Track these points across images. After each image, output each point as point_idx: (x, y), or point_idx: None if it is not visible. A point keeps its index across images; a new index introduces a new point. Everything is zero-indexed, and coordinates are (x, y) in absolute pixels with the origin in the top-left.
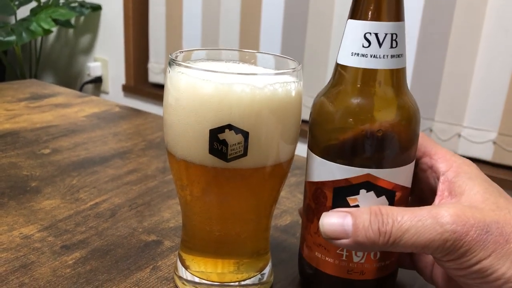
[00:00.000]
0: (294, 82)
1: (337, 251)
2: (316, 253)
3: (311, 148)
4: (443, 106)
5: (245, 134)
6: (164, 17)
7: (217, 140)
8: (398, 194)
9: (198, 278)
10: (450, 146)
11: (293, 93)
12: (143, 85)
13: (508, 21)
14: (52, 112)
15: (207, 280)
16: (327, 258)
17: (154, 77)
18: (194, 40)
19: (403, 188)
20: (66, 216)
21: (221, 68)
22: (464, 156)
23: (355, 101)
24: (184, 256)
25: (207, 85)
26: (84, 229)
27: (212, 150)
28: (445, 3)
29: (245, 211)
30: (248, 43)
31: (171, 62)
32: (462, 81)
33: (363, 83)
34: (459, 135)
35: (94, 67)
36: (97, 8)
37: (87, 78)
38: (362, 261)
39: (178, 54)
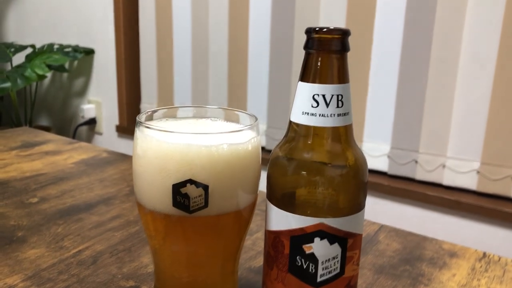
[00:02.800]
0: (251, 137)
1: None
2: None
3: (269, 198)
4: (426, 137)
5: (205, 187)
6: (155, 60)
7: (179, 194)
8: (350, 241)
9: None
10: (435, 176)
11: (250, 147)
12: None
13: (482, 54)
14: (42, 160)
15: None
16: None
17: None
18: (185, 79)
19: (354, 235)
20: (50, 265)
21: (186, 126)
22: (449, 187)
23: (307, 155)
24: None
25: (169, 145)
26: (66, 277)
27: (176, 203)
28: (423, 38)
29: (211, 257)
30: (236, 81)
31: (138, 123)
32: (443, 113)
33: (313, 139)
34: (444, 166)
35: (88, 109)
36: (90, 52)
37: (81, 120)
38: None
39: (145, 115)
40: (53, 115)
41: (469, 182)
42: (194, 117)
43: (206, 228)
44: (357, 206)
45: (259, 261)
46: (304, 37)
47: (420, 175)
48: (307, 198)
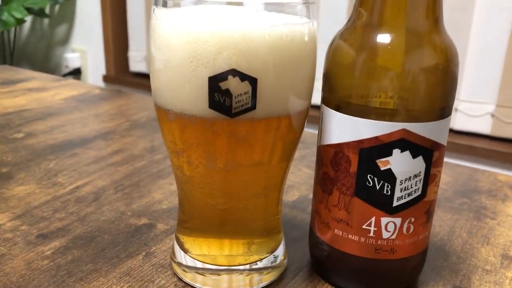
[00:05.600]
0: (307, 20)
1: (363, 226)
2: (336, 231)
3: (328, 103)
4: None
5: (253, 82)
6: (144, 2)
7: (218, 90)
8: (436, 154)
9: (200, 263)
10: None
11: (307, 32)
12: (124, 74)
13: None
14: (26, 96)
15: (212, 264)
16: (349, 236)
17: (135, 65)
18: None
19: (440, 146)
20: (43, 202)
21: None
22: (462, 131)
23: (383, 38)
24: (183, 238)
25: (202, 22)
26: (63, 215)
27: (213, 103)
28: None
29: (253, 180)
30: None
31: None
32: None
33: (392, 15)
34: (456, 109)
35: (72, 58)
36: None
37: (65, 70)
38: (393, 237)
39: None
40: (34, 65)
41: (483, 126)
42: (228, 3)
43: (250, 139)
44: (447, 109)
45: (293, 195)
46: None
47: None
48: (383, 98)
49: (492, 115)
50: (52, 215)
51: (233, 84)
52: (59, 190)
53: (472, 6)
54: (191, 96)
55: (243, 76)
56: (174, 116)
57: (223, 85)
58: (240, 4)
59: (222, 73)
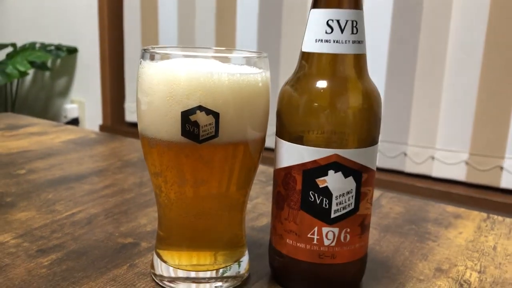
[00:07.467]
0: (261, 70)
1: (308, 235)
2: (287, 240)
3: (280, 135)
4: (415, 130)
5: (216, 115)
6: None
7: (189, 122)
8: (364, 176)
9: (172, 269)
10: (424, 168)
11: (260, 78)
12: (120, 125)
13: (470, 44)
14: (28, 139)
15: (184, 270)
16: (298, 244)
17: (130, 116)
18: None
19: (369, 169)
20: (42, 225)
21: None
22: (438, 178)
23: (320, 85)
24: (161, 252)
25: (177, 70)
26: (60, 235)
27: (185, 132)
28: (410, 29)
29: (218, 197)
30: None
31: (144, 53)
32: (431, 105)
33: (326, 67)
34: (433, 158)
35: (70, 109)
36: (73, 51)
37: (63, 121)
38: (333, 244)
39: (149, 48)
40: (34, 115)
41: (458, 173)
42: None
43: (215, 159)
44: (372, 139)
45: (261, 221)
46: None
47: (409, 168)
48: (320, 129)
49: (466, 163)
50: (50, 235)
51: (200, 117)
52: (56, 215)
53: (444, 58)
54: (167, 127)
55: (208, 111)
56: (155, 143)
57: (193, 117)
58: (209, 57)
59: (192, 109)
